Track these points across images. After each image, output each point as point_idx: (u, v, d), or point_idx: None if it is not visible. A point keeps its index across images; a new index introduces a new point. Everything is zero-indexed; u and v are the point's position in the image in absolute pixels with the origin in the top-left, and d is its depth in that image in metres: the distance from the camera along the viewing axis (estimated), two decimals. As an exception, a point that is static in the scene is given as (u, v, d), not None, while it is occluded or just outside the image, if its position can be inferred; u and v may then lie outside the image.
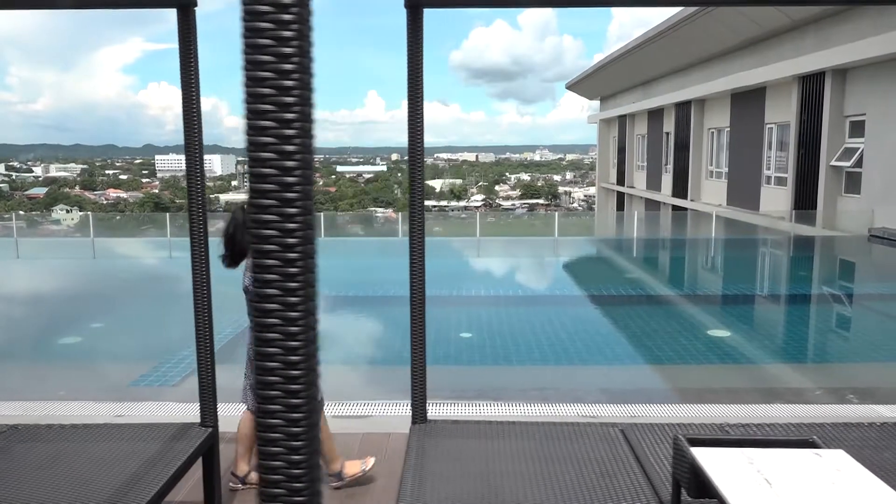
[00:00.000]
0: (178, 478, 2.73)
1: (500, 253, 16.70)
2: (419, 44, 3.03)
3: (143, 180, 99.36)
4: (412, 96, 3.06)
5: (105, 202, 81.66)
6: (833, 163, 17.17)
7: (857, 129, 16.81)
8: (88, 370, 6.73)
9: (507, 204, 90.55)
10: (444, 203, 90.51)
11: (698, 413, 4.52)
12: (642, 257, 16.76)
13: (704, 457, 2.08)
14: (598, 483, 2.52)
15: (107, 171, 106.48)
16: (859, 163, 16.58)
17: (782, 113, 19.67)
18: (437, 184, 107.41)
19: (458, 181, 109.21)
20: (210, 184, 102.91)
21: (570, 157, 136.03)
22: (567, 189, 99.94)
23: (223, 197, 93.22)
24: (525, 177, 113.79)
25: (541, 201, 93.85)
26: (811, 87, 18.00)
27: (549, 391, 5.80)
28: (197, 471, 3.12)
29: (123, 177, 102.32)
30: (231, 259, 3.32)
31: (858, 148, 16.63)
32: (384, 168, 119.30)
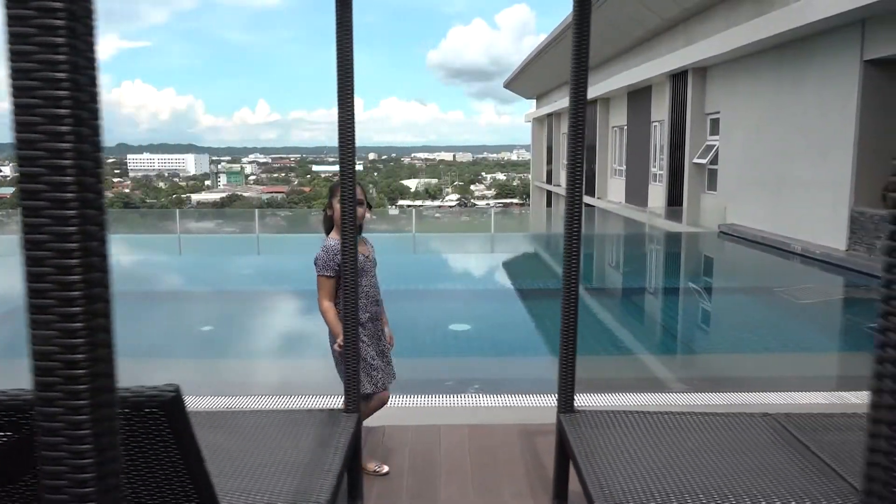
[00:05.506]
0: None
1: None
2: None
3: (115, 180, 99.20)
4: None
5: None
6: (695, 160, 17.37)
7: (717, 126, 17.02)
8: None
9: (482, 203, 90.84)
10: (418, 203, 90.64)
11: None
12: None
13: None
14: (764, 471, 2.38)
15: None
16: (716, 160, 16.79)
17: (663, 111, 19.89)
18: (412, 183, 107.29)
19: (434, 181, 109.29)
20: (182, 183, 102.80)
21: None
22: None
23: (195, 196, 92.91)
24: (501, 176, 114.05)
25: (515, 201, 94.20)
26: (679, 85, 18.22)
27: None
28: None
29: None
30: (328, 234, 3.50)
31: (716, 145, 16.84)
32: (360, 167, 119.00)
